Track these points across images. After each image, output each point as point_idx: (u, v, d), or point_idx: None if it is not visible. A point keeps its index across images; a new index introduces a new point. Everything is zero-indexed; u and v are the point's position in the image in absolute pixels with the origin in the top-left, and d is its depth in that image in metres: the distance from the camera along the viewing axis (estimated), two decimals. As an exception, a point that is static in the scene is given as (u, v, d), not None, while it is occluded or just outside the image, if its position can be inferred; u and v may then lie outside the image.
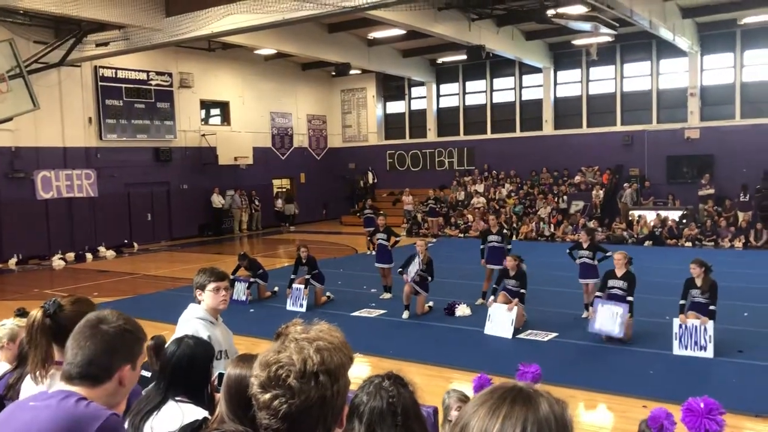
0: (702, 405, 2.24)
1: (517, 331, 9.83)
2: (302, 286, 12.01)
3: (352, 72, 25.16)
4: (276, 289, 13.39)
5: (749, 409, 6.57)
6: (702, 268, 8.79)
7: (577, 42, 22.77)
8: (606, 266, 10.05)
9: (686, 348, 8.56)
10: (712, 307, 8.65)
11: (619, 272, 9.36)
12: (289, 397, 1.51)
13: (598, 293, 9.57)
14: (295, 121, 29.07)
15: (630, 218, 21.14)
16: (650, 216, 20.71)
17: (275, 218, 27.37)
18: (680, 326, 8.66)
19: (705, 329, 8.49)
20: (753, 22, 20.52)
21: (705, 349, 8.45)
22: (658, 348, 8.92)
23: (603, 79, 24.89)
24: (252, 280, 12.99)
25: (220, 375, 2.65)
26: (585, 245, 10.96)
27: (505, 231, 15.89)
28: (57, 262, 19.14)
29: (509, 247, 12.34)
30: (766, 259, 16.65)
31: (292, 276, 12.23)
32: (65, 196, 20.06)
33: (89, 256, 20.37)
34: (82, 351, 2.03)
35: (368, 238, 15.64)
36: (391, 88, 29.51)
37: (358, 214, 20.37)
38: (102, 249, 20.90)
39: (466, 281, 13.52)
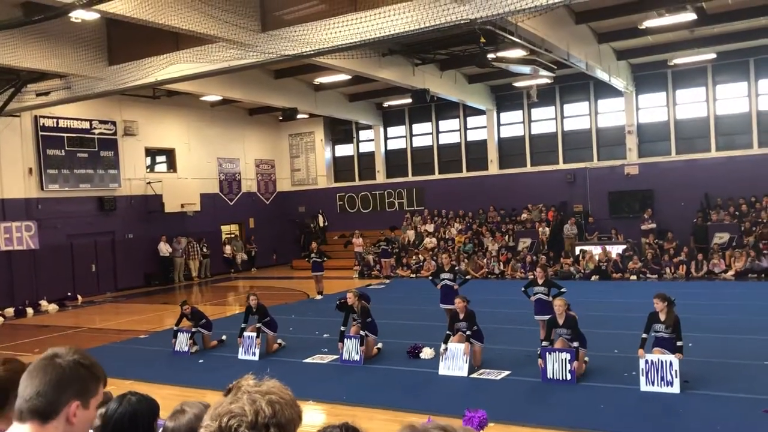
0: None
1: (472, 369, 9.84)
2: (254, 335, 11.81)
3: (299, 116, 25.29)
4: (224, 337, 13.11)
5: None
6: (665, 302, 8.73)
7: (518, 84, 23.48)
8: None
9: (653, 384, 8.48)
10: (679, 343, 8.59)
11: (561, 319, 9.40)
12: None
13: (544, 342, 9.60)
14: (242, 166, 28.92)
15: (577, 254, 21.53)
16: (595, 251, 21.17)
17: (224, 265, 27.04)
18: (646, 362, 8.54)
19: (671, 364, 8.41)
20: (682, 63, 21.59)
21: (672, 385, 8.38)
22: (608, 382, 9.04)
23: (544, 120, 25.63)
24: (194, 330, 12.67)
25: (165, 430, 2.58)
26: (540, 281, 11.16)
27: (457, 269, 16.06)
28: (-5, 318, 18.42)
29: (459, 284, 12.46)
30: (708, 289, 17.17)
31: (243, 325, 12.03)
32: (4, 249, 19.36)
33: (30, 310, 19.61)
34: (32, 383, 1.93)
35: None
36: (339, 131, 29.72)
37: (307, 259, 20.26)
38: (44, 303, 20.17)
39: (429, 323, 13.30)
